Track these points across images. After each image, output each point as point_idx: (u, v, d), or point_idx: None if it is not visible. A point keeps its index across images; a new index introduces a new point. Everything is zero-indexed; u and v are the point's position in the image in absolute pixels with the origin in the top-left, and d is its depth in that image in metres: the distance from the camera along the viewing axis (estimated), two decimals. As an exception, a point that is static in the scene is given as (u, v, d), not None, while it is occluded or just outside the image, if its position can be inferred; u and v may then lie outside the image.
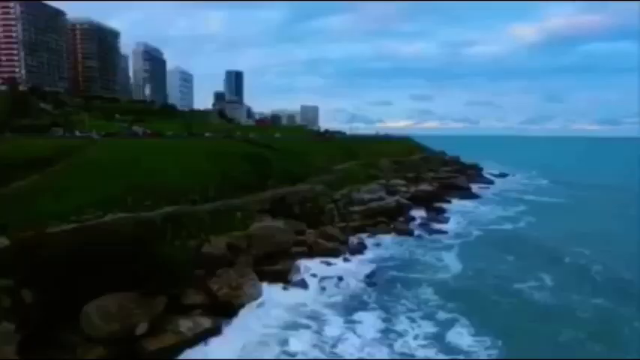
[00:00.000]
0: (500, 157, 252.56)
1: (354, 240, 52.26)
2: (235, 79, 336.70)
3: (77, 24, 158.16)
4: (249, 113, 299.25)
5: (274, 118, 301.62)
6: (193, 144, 60.20)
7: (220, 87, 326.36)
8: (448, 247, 50.28)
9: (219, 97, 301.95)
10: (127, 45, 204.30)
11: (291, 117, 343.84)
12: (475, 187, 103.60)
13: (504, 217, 71.54)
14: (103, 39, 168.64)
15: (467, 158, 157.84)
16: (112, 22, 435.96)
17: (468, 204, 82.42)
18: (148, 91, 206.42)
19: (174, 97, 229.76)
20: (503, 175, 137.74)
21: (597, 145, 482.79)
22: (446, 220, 67.42)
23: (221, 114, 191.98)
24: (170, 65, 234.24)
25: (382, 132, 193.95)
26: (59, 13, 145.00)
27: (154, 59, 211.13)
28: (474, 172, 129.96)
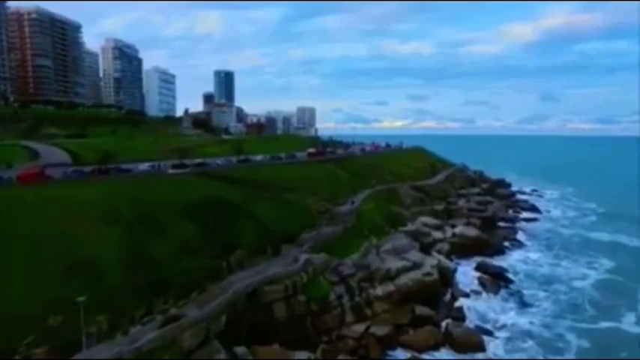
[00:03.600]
0: (509, 159, 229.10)
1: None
2: (225, 80, 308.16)
3: (24, 13, 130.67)
4: (240, 116, 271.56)
5: (269, 121, 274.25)
6: (91, 191, 33.84)
7: (211, 89, 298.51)
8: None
9: (208, 99, 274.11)
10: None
11: (286, 119, 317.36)
12: (522, 220, 79.30)
13: (602, 284, 48.11)
14: (60, 32, 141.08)
15: (471, 161, 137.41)
16: (106, 23, 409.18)
17: (530, 255, 57.95)
18: (121, 93, 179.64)
19: (152, 100, 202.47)
20: (535, 191, 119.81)
21: (600, 146, 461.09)
22: (514, 299, 44.50)
23: (196, 122, 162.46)
24: (150, 65, 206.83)
25: (380, 132, 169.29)
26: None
27: (126, 57, 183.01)
28: (506, 193, 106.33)
